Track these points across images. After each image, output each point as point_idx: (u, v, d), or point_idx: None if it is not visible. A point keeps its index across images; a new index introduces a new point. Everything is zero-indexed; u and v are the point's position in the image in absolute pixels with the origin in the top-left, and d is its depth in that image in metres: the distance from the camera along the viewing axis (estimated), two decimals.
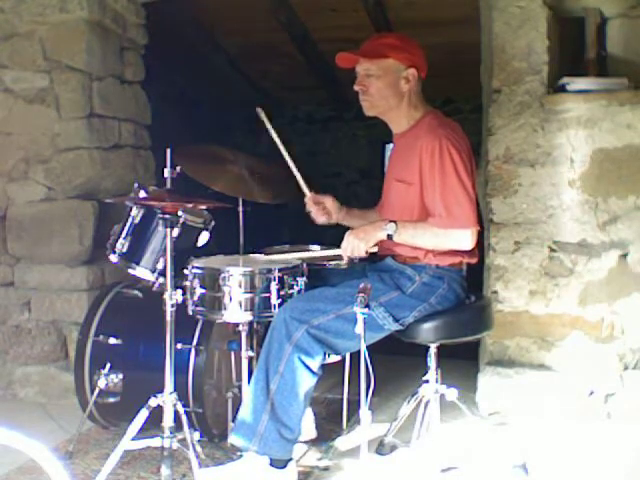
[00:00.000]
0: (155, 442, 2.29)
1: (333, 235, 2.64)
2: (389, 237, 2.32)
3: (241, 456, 2.32)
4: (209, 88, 6.50)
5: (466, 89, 4.65)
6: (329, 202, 2.68)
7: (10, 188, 3.44)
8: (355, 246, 2.34)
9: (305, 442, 2.64)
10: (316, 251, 2.69)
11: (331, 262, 2.63)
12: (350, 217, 2.71)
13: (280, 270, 2.35)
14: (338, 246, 2.40)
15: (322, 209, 2.67)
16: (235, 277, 2.33)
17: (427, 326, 2.32)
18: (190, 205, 2.41)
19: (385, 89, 2.41)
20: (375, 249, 2.38)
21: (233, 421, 2.49)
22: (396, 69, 2.41)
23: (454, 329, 2.37)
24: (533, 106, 3.00)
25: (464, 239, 2.30)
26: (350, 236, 2.36)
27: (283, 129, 8.69)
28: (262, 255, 2.69)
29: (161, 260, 2.48)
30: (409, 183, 2.38)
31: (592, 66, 3.04)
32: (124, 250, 2.52)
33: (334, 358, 2.48)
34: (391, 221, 2.33)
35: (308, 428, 2.63)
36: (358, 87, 2.45)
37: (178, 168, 2.35)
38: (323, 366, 2.31)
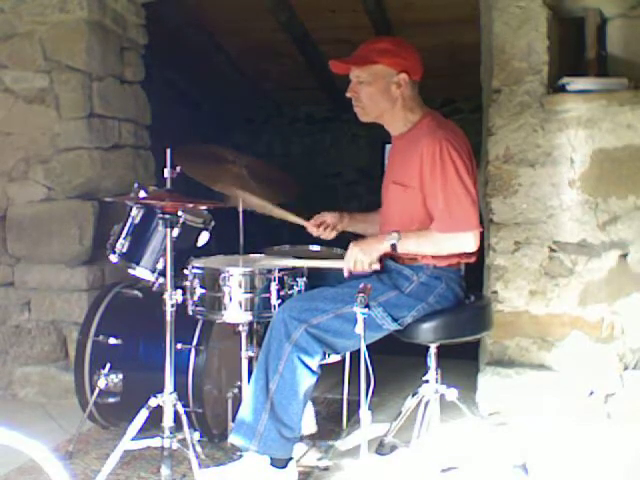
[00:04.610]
0: (155, 442, 2.29)
1: None
2: (393, 247, 2.32)
3: (241, 456, 2.32)
4: (209, 88, 6.50)
5: (466, 89, 4.66)
6: (328, 217, 2.67)
7: (10, 188, 3.44)
8: (359, 260, 2.33)
9: (306, 436, 2.63)
10: (318, 259, 2.67)
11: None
12: (354, 222, 2.71)
13: (280, 270, 2.35)
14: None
15: (326, 227, 2.67)
16: (235, 277, 2.33)
17: (426, 326, 2.32)
18: (190, 205, 2.41)
19: (376, 95, 2.41)
20: (378, 266, 2.35)
21: (233, 421, 2.49)
22: (386, 74, 2.39)
23: (453, 329, 2.37)
24: (533, 106, 3.00)
25: (468, 242, 2.30)
26: (354, 249, 2.34)
27: (283, 129, 8.63)
28: (262, 255, 2.69)
29: (161, 260, 2.48)
30: (406, 186, 2.38)
31: (592, 66, 3.03)
32: (124, 250, 2.52)
33: (334, 358, 2.48)
34: (394, 231, 2.33)
35: (308, 422, 2.63)
36: (350, 94, 2.45)
37: (178, 168, 2.35)
38: (323, 366, 2.31)
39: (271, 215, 2.66)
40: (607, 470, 2.52)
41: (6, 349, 3.46)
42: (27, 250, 3.42)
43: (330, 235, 2.66)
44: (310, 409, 2.65)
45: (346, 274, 2.37)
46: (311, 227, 2.66)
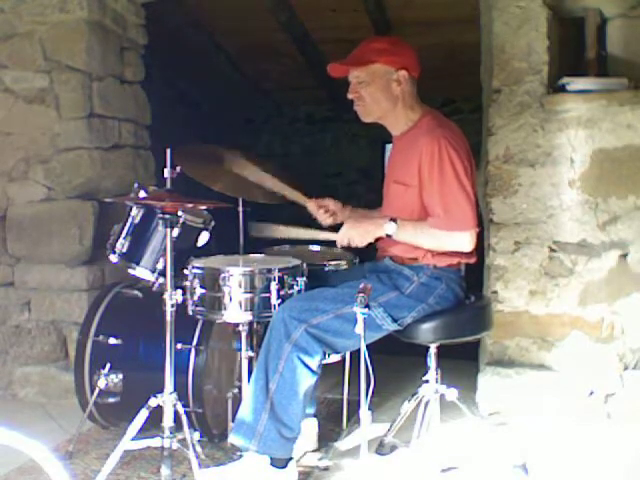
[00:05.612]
0: (155, 442, 2.29)
1: None
2: (388, 236, 2.33)
3: (241, 456, 2.32)
4: (209, 88, 6.50)
5: (466, 89, 4.65)
6: (331, 203, 2.68)
7: (10, 188, 3.44)
8: (352, 239, 2.36)
9: (306, 452, 2.63)
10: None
11: (331, 263, 2.63)
12: (354, 215, 2.71)
13: (280, 270, 2.35)
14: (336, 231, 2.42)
15: (326, 211, 2.67)
16: (235, 277, 2.33)
17: (426, 326, 2.32)
18: (190, 205, 2.41)
19: (377, 94, 2.42)
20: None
21: (233, 421, 2.49)
22: (385, 72, 2.40)
23: (453, 329, 2.37)
24: (533, 106, 3.00)
25: (463, 241, 2.31)
26: (348, 229, 2.37)
27: (283, 129, 8.60)
28: (262, 255, 2.69)
29: (161, 260, 2.48)
30: (408, 185, 2.38)
31: (592, 66, 3.03)
32: (124, 250, 2.52)
33: (334, 358, 2.48)
34: (391, 219, 2.33)
35: (310, 437, 2.62)
36: (351, 95, 2.46)
37: (178, 168, 2.36)
38: (323, 366, 2.31)
39: (271, 190, 2.64)
40: (607, 470, 2.52)
41: (6, 349, 3.46)
42: (27, 250, 3.42)
43: (328, 220, 2.66)
44: (315, 426, 2.65)
45: (339, 245, 2.42)
46: (312, 205, 2.66)
